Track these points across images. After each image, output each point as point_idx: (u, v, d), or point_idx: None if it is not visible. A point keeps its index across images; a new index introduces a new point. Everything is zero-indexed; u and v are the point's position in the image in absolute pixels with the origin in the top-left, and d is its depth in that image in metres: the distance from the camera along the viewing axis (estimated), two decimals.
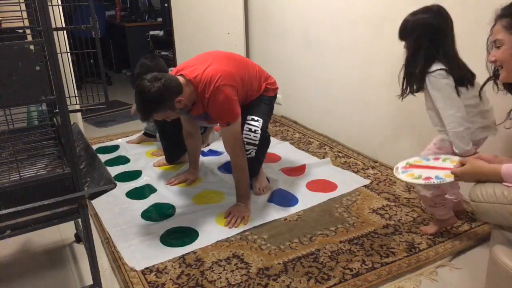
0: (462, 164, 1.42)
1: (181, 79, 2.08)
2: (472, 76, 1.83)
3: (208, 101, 2.09)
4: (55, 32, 1.25)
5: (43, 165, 1.51)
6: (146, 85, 1.95)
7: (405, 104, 2.60)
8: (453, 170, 1.45)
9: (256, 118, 2.26)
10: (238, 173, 2.25)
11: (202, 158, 2.81)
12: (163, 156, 2.86)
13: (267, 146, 2.43)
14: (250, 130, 2.22)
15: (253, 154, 2.26)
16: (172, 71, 2.27)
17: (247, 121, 2.23)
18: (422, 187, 1.88)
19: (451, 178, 1.49)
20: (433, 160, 1.71)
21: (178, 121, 2.43)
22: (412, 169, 1.70)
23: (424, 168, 1.67)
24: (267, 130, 2.35)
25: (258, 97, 2.37)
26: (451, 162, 1.68)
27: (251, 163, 2.28)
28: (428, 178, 1.58)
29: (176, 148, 2.76)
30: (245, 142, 2.22)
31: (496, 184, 1.29)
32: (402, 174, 1.69)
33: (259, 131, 2.23)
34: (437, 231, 2.05)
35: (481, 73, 1.73)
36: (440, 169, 1.63)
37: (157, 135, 3.08)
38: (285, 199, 2.41)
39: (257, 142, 2.23)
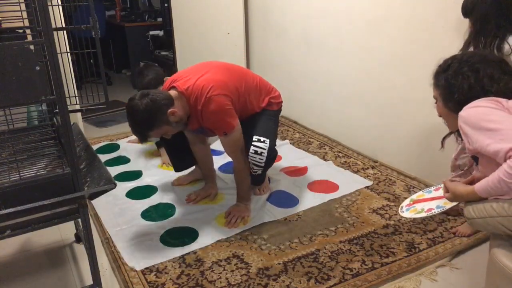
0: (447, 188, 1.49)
1: (173, 92, 2.00)
2: None
3: (201, 113, 2.00)
4: (55, 32, 1.25)
5: (43, 165, 1.51)
6: (135, 103, 1.87)
7: (406, 104, 2.60)
8: (444, 195, 1.51)
9: (262, 139, 2.12)
10: (239, 176, 2.23)
11: None
12: (179, 175, 2.66)
13: (273, 162, 2.29)
14: (256, 152, 2.09)
15: (259, 172, 2.18)
16: (166, 81, 2.18)
17: (253, 142, 2.10)
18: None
19: (450, 204, 1.52)
20: (435, 191, 1.71)
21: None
22: (415, 205, 1.71)
23: (427, 201, 1.69)
24: (275, 149, 2.21)
25: (262, 111, 2.25)
26: None
27: (255, 177, 2.25)
28: (430, 209, 1.60)
29: (183, 154, 2.49)
30: (250, 163, 2.12)
31: (486, 200, 1.34)
32: (406, 211, 1.70)
33: (265, 153, 2.10)
34: (473, 232, 2.03)
35: None
36: (440, 199, 1.64)
37: None
38: (285, 199, 2.41)
39: (262, 165, 2.12)
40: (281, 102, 2.38)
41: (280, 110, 2.37)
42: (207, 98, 1.97)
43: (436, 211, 1.56)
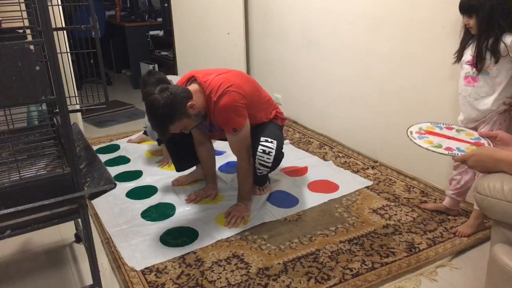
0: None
1: (193, 86, 2.06)
2: None
3: (214, 105, 2.04)
4: (55, 32, 1.25)
5: (43, 165, 1.51)
6: (155, 97, 1.90)
7: (406, 104, 2.60)
8: (466, 156, 1.37)
9: (270, 139, 2.16)
10: (242, 176, 2.24)
11: None
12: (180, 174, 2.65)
13: (279, 164, 2.35)
14: (264, 152, 2.13)
15: (264, 173, 2.22)
16: (183, 76, 2.23)
17: (261, 142, 2.14)
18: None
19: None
20: (446, 129, 1.59)
21: None
22: (429, 136, 1.55)
23: (441, 136, 1.54)
24: (282, 151, 2.26)
25: (269, 121, 2.33)
26: (467, 134, 1.58)
27: (260, 177, 2.28)
28: (449, 148, 1.45)
29: (185, 154, 2.50)
30: (257, 163, 2.15)
31: (506, 179, 1.22)
32: (419, 139, 1.52)
33: (273, 153, 2.14)
34: (473, 232, 2.03)
35: None
36: (458, 141, 1.50)
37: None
38: (285, 199, 2.41)
39: (270, 165, 2.15)
40: (285, 119, 2.49)
41: (283, 126, 2.46)
42: (224, 91, 2.03)
43: (457, 153, 1.42)
